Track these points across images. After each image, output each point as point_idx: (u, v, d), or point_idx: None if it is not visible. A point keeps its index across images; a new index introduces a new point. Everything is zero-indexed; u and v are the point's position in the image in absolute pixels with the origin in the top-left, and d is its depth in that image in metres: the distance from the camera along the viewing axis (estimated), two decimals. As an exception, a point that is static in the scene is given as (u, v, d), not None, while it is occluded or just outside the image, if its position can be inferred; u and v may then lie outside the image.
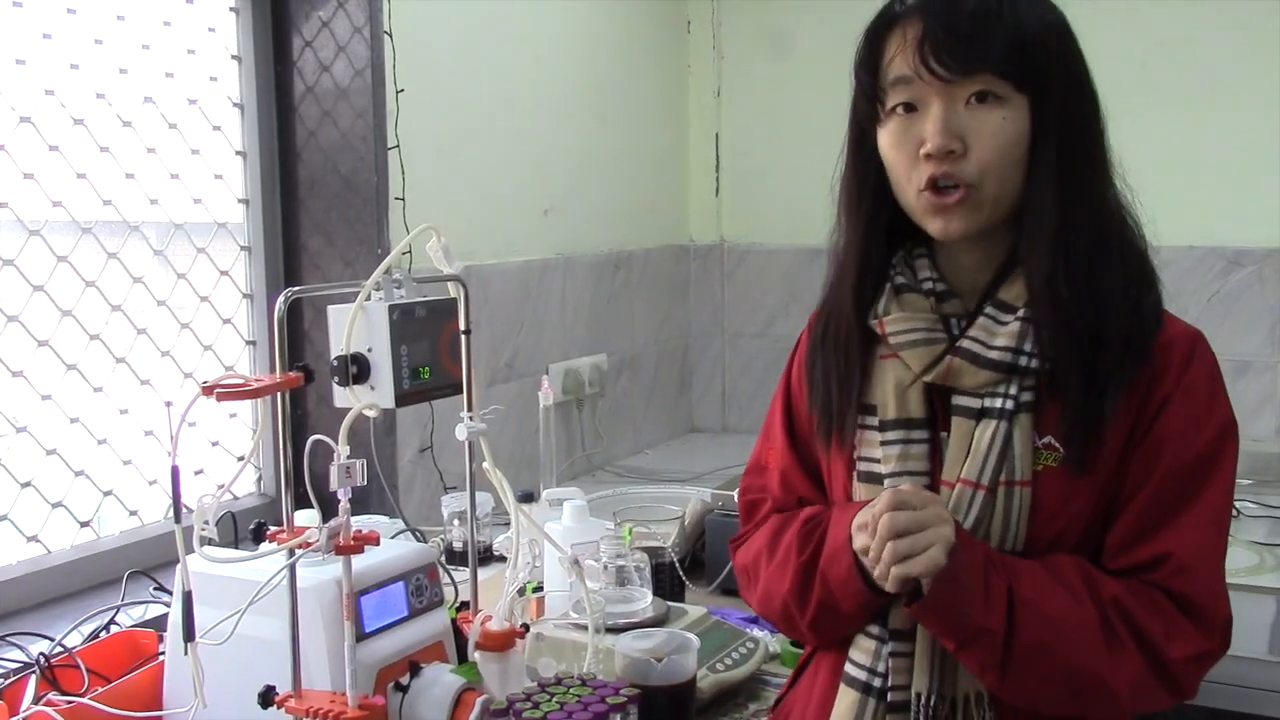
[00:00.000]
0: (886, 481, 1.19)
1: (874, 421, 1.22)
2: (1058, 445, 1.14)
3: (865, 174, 1.22)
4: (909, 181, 1.16)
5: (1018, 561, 1.13)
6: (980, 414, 1.15)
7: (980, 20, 1.10)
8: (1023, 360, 1.14)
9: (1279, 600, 1.86)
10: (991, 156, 1.12)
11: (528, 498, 2.07)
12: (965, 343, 1.16)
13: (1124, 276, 1.15)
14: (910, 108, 1.15)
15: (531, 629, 1.51)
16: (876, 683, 1.19)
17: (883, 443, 1.20)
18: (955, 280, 1.22)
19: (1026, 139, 1.13)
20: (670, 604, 1.67)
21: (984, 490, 1.13)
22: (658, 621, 1.60)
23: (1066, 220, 1.13)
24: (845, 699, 1.21)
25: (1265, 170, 2.70)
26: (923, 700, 1.15)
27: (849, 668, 1.21)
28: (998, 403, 1.14)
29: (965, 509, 1.14)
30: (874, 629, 1.20)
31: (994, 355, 1.15)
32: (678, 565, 1.84)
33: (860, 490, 1.23)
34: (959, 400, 1.17)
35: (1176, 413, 1.13)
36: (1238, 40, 2.74)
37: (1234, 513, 1.22)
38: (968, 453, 1.15)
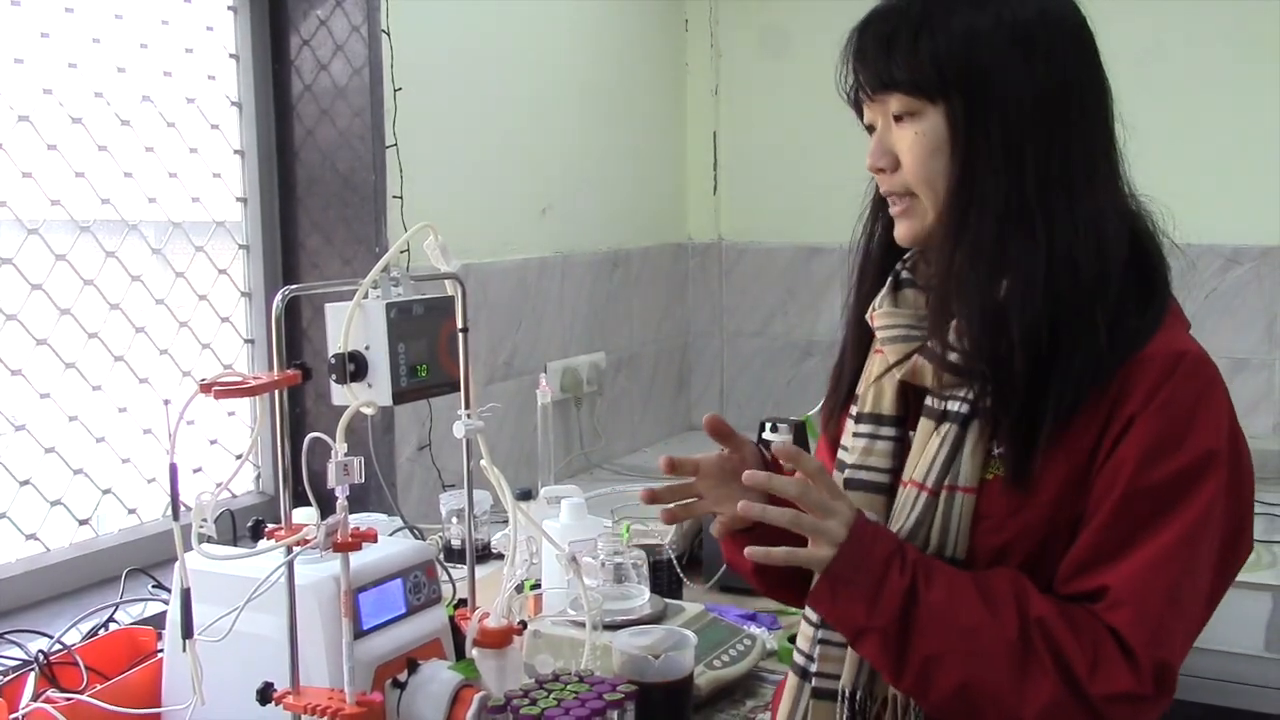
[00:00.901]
0: (847, 472, 1.21)
1: (855, 412, 1.24)
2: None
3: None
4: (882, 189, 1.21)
5: (940, 567, 1.09)
6: (941, 416, 1.15)
7: (884, 43, 1.13)
8: (977, 364, 1.11)
9: (1275, 597, 1.86)
10: (913, 170, 1.14)
11: (525, 495, 2.07)
12: (931, 342, 1.16)
13: (1057, 283, 1.08)
14: (873, 128, 1.19)
15: (529, 626, 1.52)
16: (813, 668, 1.20)
17: (854, 434, 1.23)
18: None
19: (948, 146, 1.12)
20: (667, 601, 1.68)
21: (928, 492, 1.13)
22: (655, 619, 1.60)
23: (965, 217, 1.11)
24: (789, 682, 1.24)
25: (1263, 168, 2.71)
26: (847, 694, 1.16)
27: (795, 653, 1.24)
28: (956, 406, 1.13)
29: (909, 510, 1.14)
30: (811, 615, 1.20)
31: (952, 357, 1.13)
32: (675, 562, 1.85)
33: (835, 478, 1.23)
34: (929, 401, 1.17)
35: (1141, 434, 1.06)
36: (1236, 39, 2.74)
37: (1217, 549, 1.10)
38: None
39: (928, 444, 1.15)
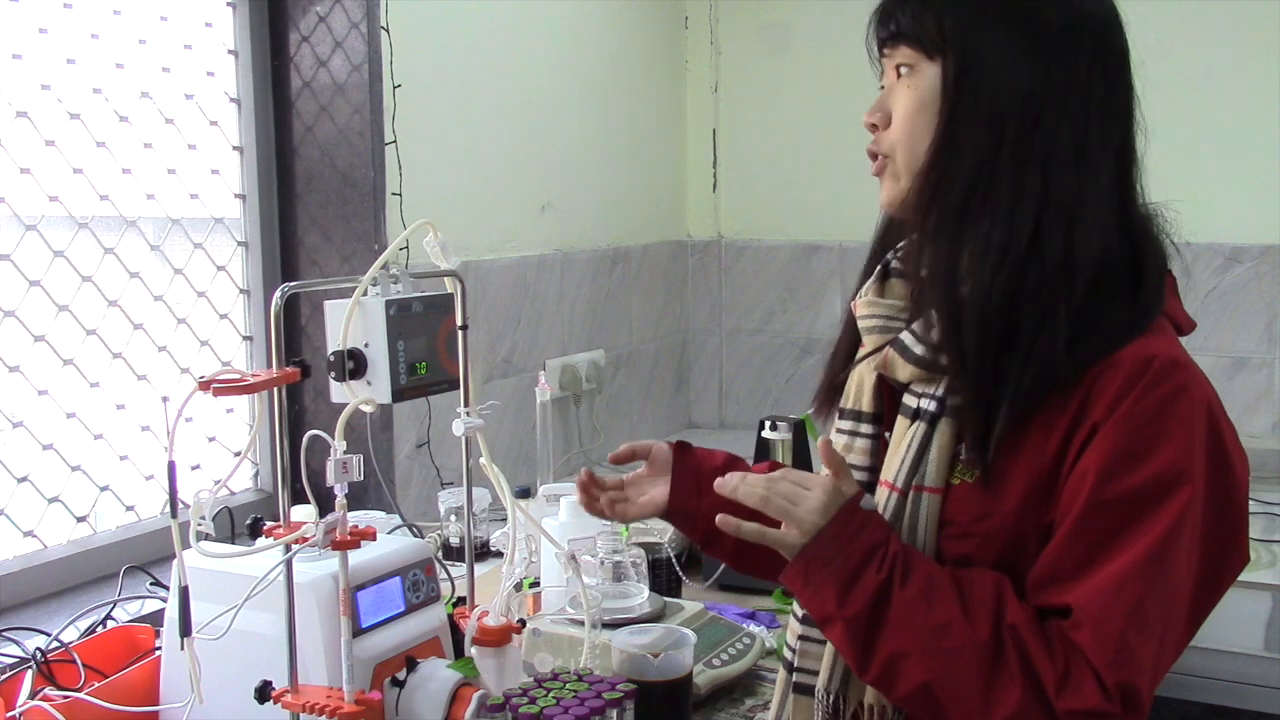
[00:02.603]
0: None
1: (840, 407, 1.24)
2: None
3: None
4: None
5: (921, 562, 1.07)
6: (915, 414, 1.12)
7: None
8: (942, 358, 1.09)
9: (1274, 596, 1.86)
10: (898, 126, 1.13)
11: (524, 493, 2.07)
12: (904, 334, 1.13)
13: (1037, 273, 1.04)
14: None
15: (528, 624, 1.52)
16: (795, 663, 1.20)
17: (836, 430, 1.22)
18: None
19: (934, 106, 1.10)
20: (667, 600, 1.68)
21: (898, 492, 1.11)
22: (654, 617, 1.60)
23: (939, 181, 1.09)
24: (779, 676, 1.25)
25: (1263, 167, 2.71)
26: (823, 694, 1.15)
27: (784, 647, 1.24)
28: (926, 404, 1.11)
29: (883, 511, 1.12)
30: (798, 611, 1.20)
31: (919, 350, 1.11)
32: (674, 561, 1.85)
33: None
34: (905, 397, 1.14)
35: (1102, 446, 1.01)
36: (1236, 37, 2.74)
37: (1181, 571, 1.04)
38: None
39: (901, 442, 1.12)
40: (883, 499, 1.12)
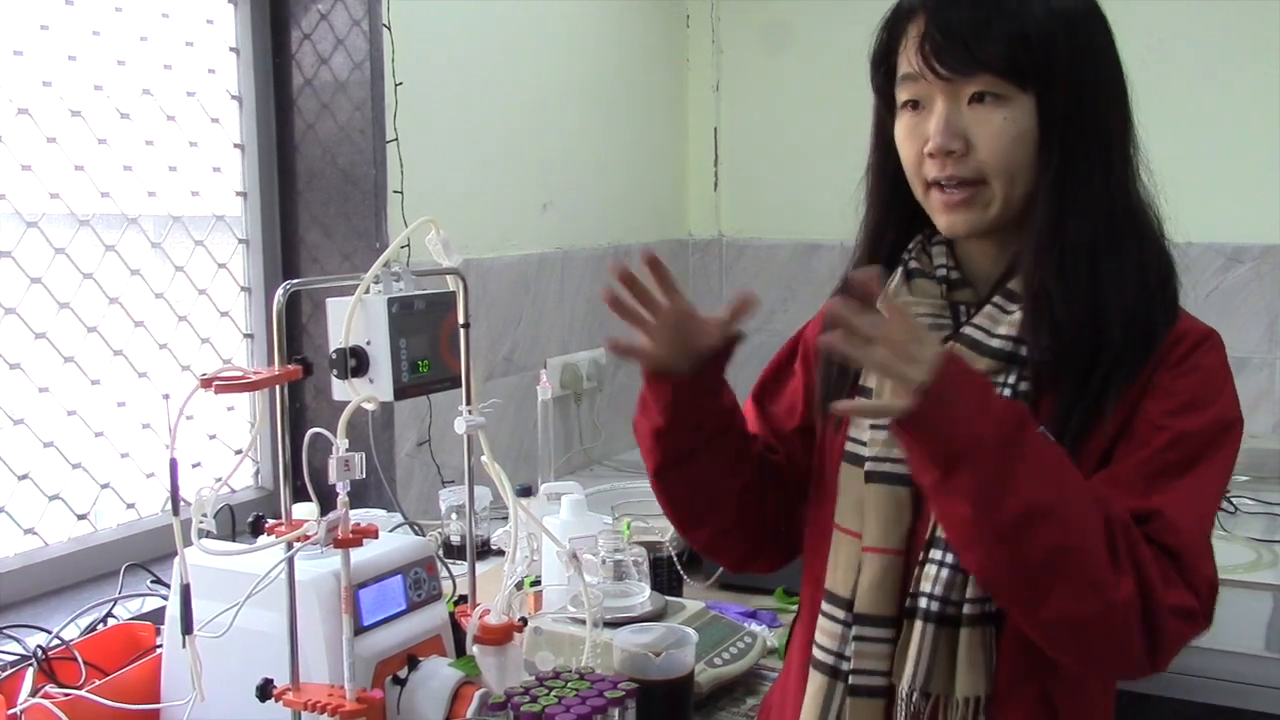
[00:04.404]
0: (868, 465, 1.18)
1: None
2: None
3: (884, 161, 1.23)
4: (917, 176, 1.17)
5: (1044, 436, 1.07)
6: None
7: (979, 19, 1.09)
8: (1023, 350, 1.13)
9: (1275, 597, 1.86)
10: (994, 157, 1.12)
11: (526, 492, 2.07)
12: (968, 329, 1.16)
13: (1138, 277, 1.12)
14: (917, 105, 1.15)
15: (529, 623, 1.51)
16: (844, 665, 1.17)
17: (872, 426, 1.20)
18: (970, 268, 1.21)
19: (1033, 137, 1.11)
20: (668, 598, 1.67)
21: None
22: (655, 616, 1.60)
23: (1064, 217, 1.11)
24: (814, 682, 1.20)
25: (1264, 167, 2.70)
26: (905, 693, 1.13)
27: (816, 651, 1.21)
28: (997, 390, 1.12)
29: None
30: (838, 613, 1.18)
31: (995, 344, 1.14)
32: (675, 560, 1.84)
33: (844, 471, 1.22)
34: None
35: (1183, 386, 1.11)
36: (1237, 37, 2.74)
37: (1228, 504, 1.22)
38: None
39: None
40: None
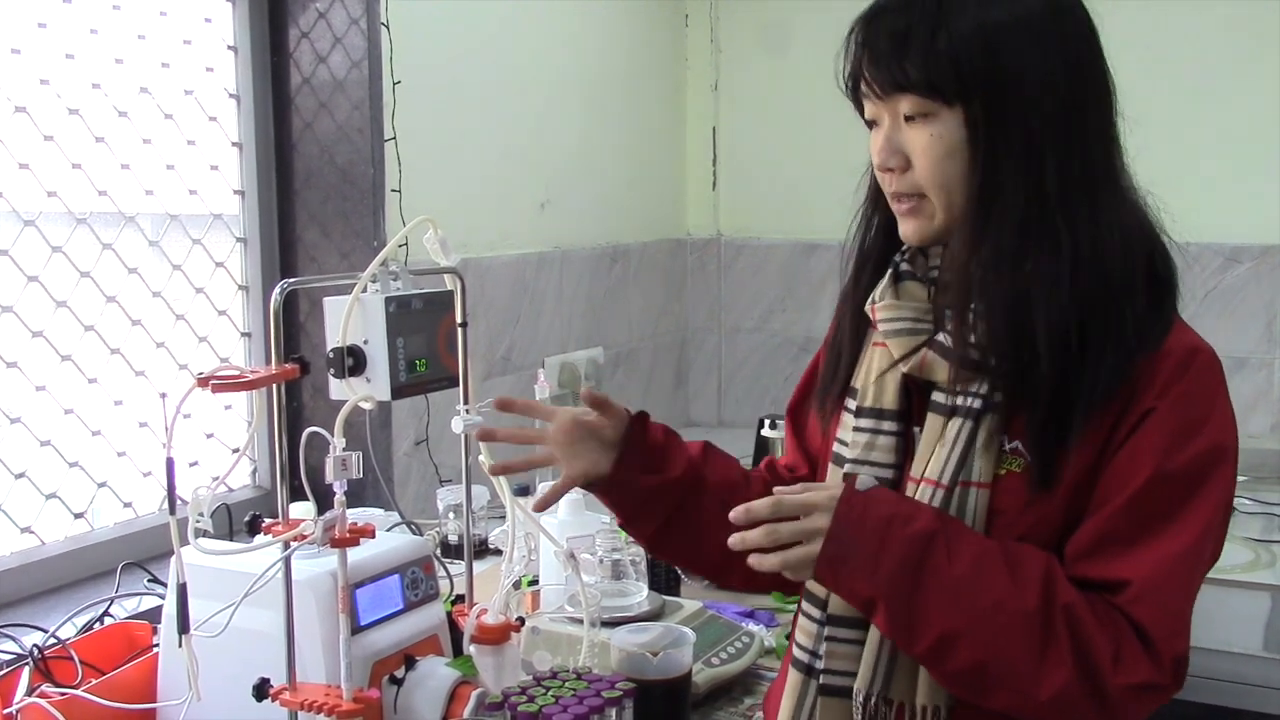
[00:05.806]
0: (847, 467, 1.19)
1: (854, 406, 1.23)
2: (1024, 451, 1.11)
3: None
4: (884, 188, 1.19)
5: (968, 537, 1.08)
6: (951, 411, 1.13)
7: (897, 41, 1.10)
8: (992, 360, 1.11)
9: (1273, 597, 1.86)
10: (926, 173, 1.12)
11: (523, 491, 2.07)
12: (942, 336, 1.15)
13: (1082, 292, 1.08)
14: (873, 122, 1.17)
15: (527, 622, 1.51)
16: (818, 664, 1.18)
17: (854, 429, 1.21)
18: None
19: (965, 149, 1.11)
20: (666, 598, 1.67)
21: (944, 489, 1.12)
22: (653, 616, 1.60)
23: (985, 229, 1.10)
24: (791, 679, 1.22)
25: (1263, 167, 2.71)
26: (862, 699, 1.14)
27: (795, 649, 1.23)
28: (967, 401, 1.12)
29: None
30: (814, 612, 1.20)
31: (973, 355, 1.12)
32: (673, 559, 1.84)
33: (830, 472, 1.23)
34: (936, 396, 1.15)
35: (1159, 425, 1.07)
36: (1236, 37, 2.74)
37: (1227, 531, 1.14)
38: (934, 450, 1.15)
39: (939, 440, 1.14)
40: (926, 495, 1.13)
